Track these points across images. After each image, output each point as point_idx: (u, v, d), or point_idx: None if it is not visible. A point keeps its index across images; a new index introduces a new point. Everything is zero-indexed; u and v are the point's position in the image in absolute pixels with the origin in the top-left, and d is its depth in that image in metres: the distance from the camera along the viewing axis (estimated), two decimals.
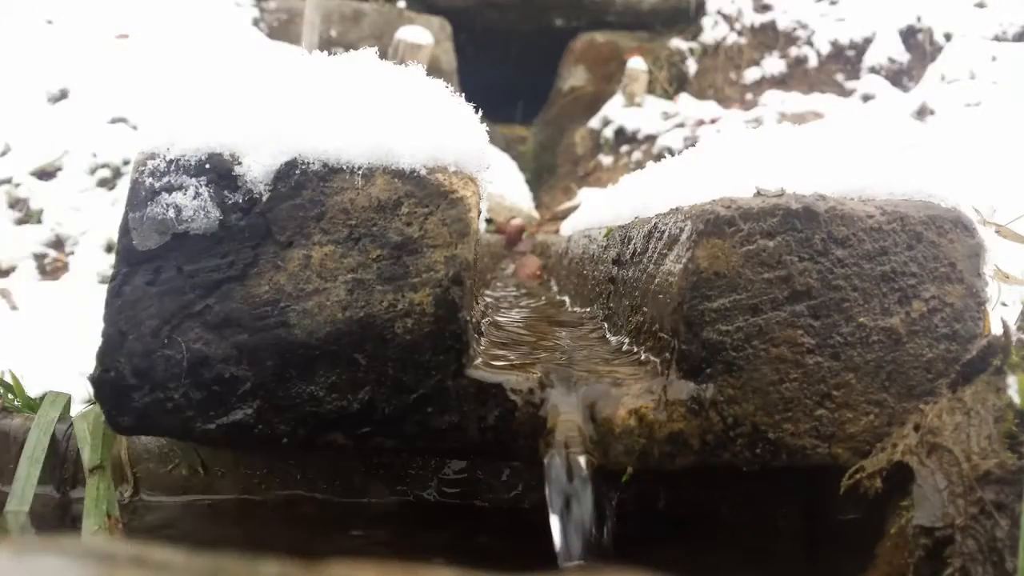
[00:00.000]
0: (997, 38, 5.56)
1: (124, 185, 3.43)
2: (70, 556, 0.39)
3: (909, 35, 5.88)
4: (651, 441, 1.01)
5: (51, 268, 3.13)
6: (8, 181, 3.47)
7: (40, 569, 0.38)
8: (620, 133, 5.82)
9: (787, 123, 1.40)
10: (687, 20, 6.50)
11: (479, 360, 1.11)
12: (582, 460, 0.98)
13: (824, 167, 1.13)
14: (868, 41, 5.95)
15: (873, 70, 5.81)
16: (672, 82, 6.20)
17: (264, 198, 1.05)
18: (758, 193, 1.08)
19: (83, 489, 1.21)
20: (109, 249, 3.14)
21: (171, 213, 1.04)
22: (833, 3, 6.23)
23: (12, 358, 1.74)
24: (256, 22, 5.72)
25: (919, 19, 5.86)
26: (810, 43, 6.09)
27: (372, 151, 1.07)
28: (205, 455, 1.30)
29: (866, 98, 5.57)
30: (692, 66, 6.27)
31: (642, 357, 1.19)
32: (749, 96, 5.99)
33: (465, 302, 1.05)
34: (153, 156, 1.07)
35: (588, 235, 2.04)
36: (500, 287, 2.75)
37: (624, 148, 5.77)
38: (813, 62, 6.03)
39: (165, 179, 1.05)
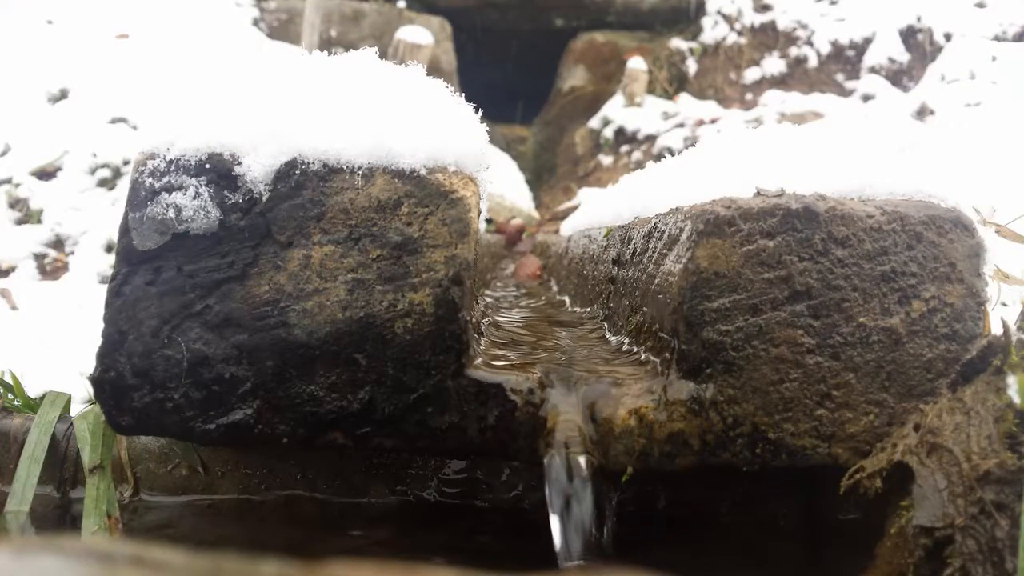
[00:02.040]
0: (997, 38, 5.56)
1: (124, 185, 3.43)
2: (70, 556, 0.39)
3: (909, 35, 5.88)
4: (651, 441, 1.01)
5: (51, 268, 3.13)
6: (8, 181, 3.47)
7: (40, 569, 0.38)
8: (620, 133, 5.83)
9: (787, 123, 1.40)
10: (687, 20, 6.50)
11: (479, 360, 1.11)
12: (582, 460, 0.98)
13: (824, 167, 1.13)
14: (868, 41, 5.96)
15: (873, 70, 5.82)
16: (672, 82, 6.20)
17: (264, 198, 1.05)
18: (758, 193, 1.08)
19: (83, 489, 1.21)
20: (109, 249, 3.14)
21: (171, 213, 1.04)
22: (833, 3, 6.23)
23: (12, 358, 1.74)
24: (256, 22, 5.72)
25: (919, 19, 5.87)
26: (810, 43, 6.09)
27: (372, 151, 1.07)
28: (205, 455, 1.30)
29: (866, 98, 5.57)
30: (692, 66, 6.27)
31: (642, 357, 1.19)
32: (749, 96, 5.99)
33: (465, 302, 1.05)
34: (153, 156, 1.07)
35: (588, 235, 2.04)
36: (500, 287, 2.75)
37: (624, 148, 5.78)
38: (813, 62, 6.03)
39: (165, 179, 1.05)
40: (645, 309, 1.22)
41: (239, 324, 1.03)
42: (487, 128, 1.22)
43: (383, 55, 1.40)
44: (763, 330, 1.01)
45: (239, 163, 1.06)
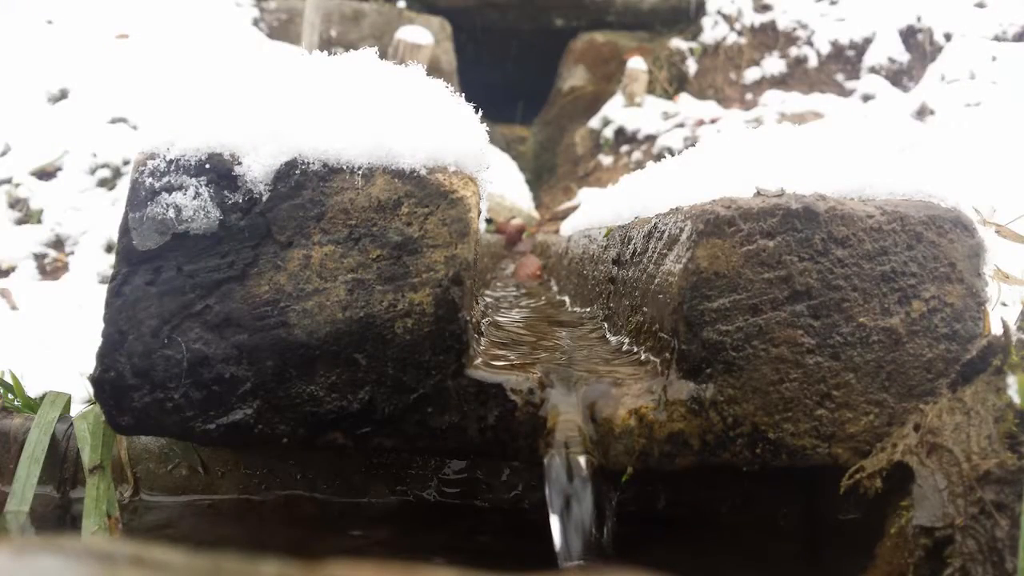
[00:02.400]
0: (997, 38, 5.56)
1: (124, 185, 3.43)
2: (70, 556, 0.39)
3: (909, 35, 5.88)
4: (651, 441, 1.01)
5: (51, 268, 3.13)
6: (8, 181, 3.47)
7: (40, 569, 0.38)
8: (620, 133, 5.82)
9: (787, 123, 1.40)
10: (687, 20, 6.50)
11: (479, 360, 1.11)
12: (582, 460, 0.98)
13: (824, 167, 1.13)
14: (868, 41, 5.96)
15: (873, 70, 5.82)
16: (672, 82, 6.20)
17: (264, 198, 1.05)
18: (758, 193, 1.08)
19: (83, 489, 1.21)
20: (109, 249, 3.14)
21: (171, 213, 1.04)
22: (833, 3, 6.23)
23: (12, 358, 1.74)
24: (256, 22, 5.72)
25: (919, 19, 5.87)
26: (810, 43, 6.09)
27: (372, 151, 1.07)
28: (205, 455, 1.30)
29: (866, 98, 5.57)
30: (692, 66, 6.27)
31: (642, 357, 1.19)
32: (749, 96, 5.99)
33: (465, 302, 1.05)
34: (153, 156, 1.07)
35: (588, 235, 2.04)
36: (500, 287, 2.75)
37: (624, 148, 5.77)
38: (813, 62, 6.03)
39: (165, 179, 1.05)
40: (645, 309, 1.22)
41: (239, 324, 1.03)
42: (487, 128, 1.22)
43: (383, 55, 1.40)
44: (763, 330, 1.01)
45: (239, 163, 1.06)
